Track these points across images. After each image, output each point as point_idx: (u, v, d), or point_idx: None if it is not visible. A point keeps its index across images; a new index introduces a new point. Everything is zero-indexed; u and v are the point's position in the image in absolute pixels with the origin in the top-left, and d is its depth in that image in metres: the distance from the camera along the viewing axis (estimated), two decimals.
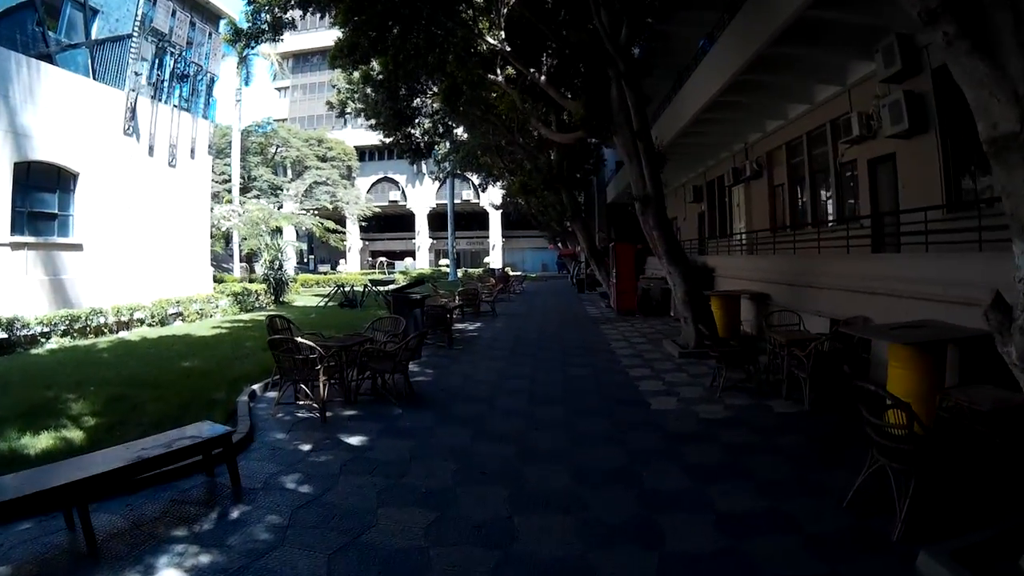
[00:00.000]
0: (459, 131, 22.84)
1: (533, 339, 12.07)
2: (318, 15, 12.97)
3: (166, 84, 17.05)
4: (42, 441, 5.03)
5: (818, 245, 9.95)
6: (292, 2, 11.52)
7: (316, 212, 38.29)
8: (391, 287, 17.08)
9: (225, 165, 35.98)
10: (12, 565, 3.23)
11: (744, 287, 11.45)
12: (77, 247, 13.70)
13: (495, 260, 51.19)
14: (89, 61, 14.50)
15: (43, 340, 11.01)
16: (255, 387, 7.20)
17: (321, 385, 6.14)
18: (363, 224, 51.46)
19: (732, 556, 3.31)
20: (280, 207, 37.56)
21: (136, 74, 15.32)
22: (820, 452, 4.95)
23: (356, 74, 17.23)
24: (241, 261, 31.27)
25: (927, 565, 3.06)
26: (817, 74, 10.60)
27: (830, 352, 6.47)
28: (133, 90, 15.28)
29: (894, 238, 8.91)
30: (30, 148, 12.47)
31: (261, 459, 4.94)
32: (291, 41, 40.56)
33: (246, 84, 34.37)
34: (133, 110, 15.39)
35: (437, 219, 54.34)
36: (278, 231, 27.79)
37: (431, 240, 55.73)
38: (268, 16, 11.86)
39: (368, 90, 17.78)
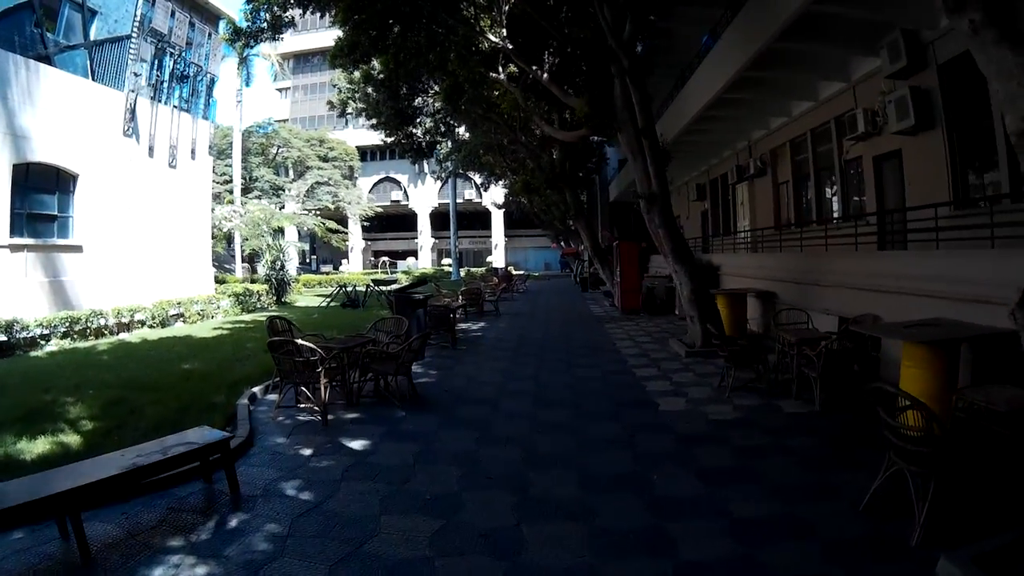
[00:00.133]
0: (461, 130, 22.73)
1: (537, 339, 11.96)
2: (318, 14, 12.88)
3: (166, 85, 16.98)
4: (38, 446, 4.94)
5: (825, 243, 9.83)
6: (291, 1, 11.42)
7: (318, 212, 38.33)
8: (394, 287, 16.98)
9: (227, 166, 36.00)
10: None
11: (750, 285, 11.33)
12: (77, 248, 13.63)
13: (498, 259, 51.16)
14: (88, 62, 14.43)
15: (43, 342, 10.94)
16: (255, 390, 7.10)
17: (322, 388, 6.03)
18: (365, 224, 51.48)
19: (749, 566, 3.20)
20: (282, 207, 37.58)
21: (135, 75, 15.24)
22: (833, 454, 4.84)
23: (357, 73, 17.14)
24: (243, 262, 31.24)
25: (948, 571, 2.97)
26: (821, 70, 10.50)
27: (840, 351, 6.36)
28: (132, 91, 15.20)
29: (901, 235, 8.80)
30: (29, 150, 12.40)
31: (261, 464, 4.84)
32: (291, 42, 40.62)
33: (247, 85, 34.36)
34: (133, 111, 15.32)
35: (439, 219, 54.31)
36: (280, 231, 27.73)
37: (433, 240, 55.70)
38: (267, 15, 11.76)
39: (369, 89, 17.68)
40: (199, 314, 15.56)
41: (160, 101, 16.66)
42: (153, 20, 15.79)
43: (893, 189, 9.63)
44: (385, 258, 51.95)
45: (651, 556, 3.32)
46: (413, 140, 19.62)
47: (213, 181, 25.22)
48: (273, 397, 6.85)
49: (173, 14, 16.54)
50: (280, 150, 44.02)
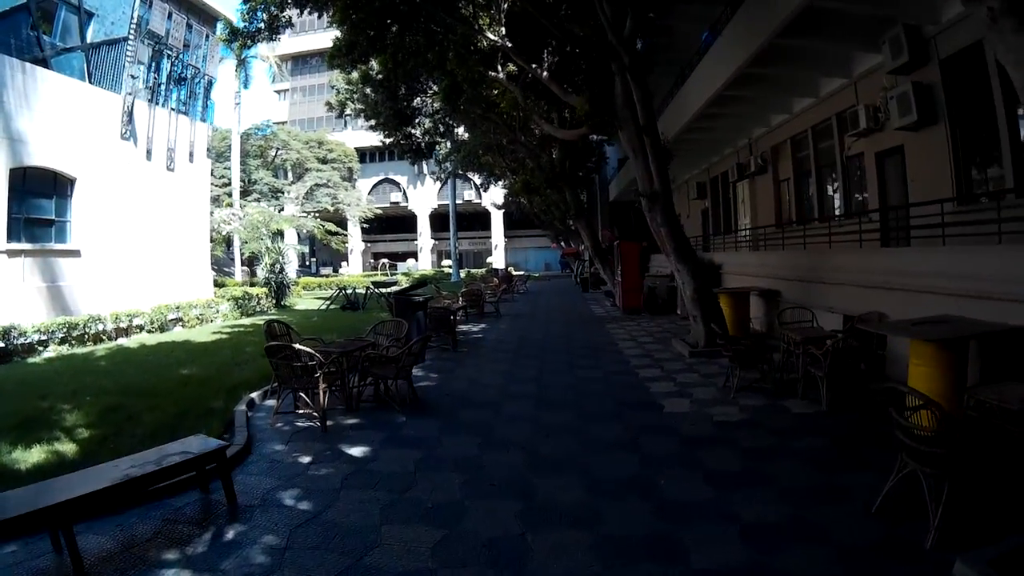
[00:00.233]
0: (460, 130, 22.67)
1: (539, 340, 11.87)
2: (315, 14, 12.78)
3: (163, 87, 16.90)
4: (33, 455, 4.86)
5: (829, 240, 9.74)
6: (289, 0, 11.33)
7: (317, 214, 38.26)
8: (393, 289, 16.89)
9: (225, 168, 35.94)
10: None
11: (753, 284, 11.24)
12: (75, 253, 13.55)
13: (498, 260, 51.06)
14: (85, 65, 14.36)
15: (40, 348, 10.85)
16: (254, 395, 7.00)
17: (321, 393, 5.94)
18: (365, 226, 51.38)
19: (762, 573, 3.11)
20: (281, 210, 37.49)
21: (132, 77, 15.17)
22: (842, 454, 4.75)
23: (355, 74, 17.02)
24: (242, 265, 31.16)
25: (964, 574, 2.90)
26: (822, 67, 10.43)
27: (846, 349, 6.26)
28: (130, 94, 15.13)
29: (904, 232, 8.72)
30: (26, 154, 12.32)
31: (259, 473, 4.74)
32: (289, 43, 40.64)
33: (245, 87, 34.38)
34: (130, 114, 15.24)
35: (439, 220, 54.20)
36: (279, 234, 27.64)
37: (433, 241, 55.59)
38: (264, 15, 11.64)
39: (367, 90, 17.60)
40: (198, 318, 15.48)
41: (158, 104, 16.58)
42: (150, 22, 15.72)
43: (895, 185, 9.56)
44: (385, 260, 51.85)
45: (661, 565, 3.22)
46: (412, 141, 19.55)
47: (212, 184, 25.17)
48: (272, 402, 6.74)
49: (170, 16, 16.47)
50: (279, 152, 43.97)
